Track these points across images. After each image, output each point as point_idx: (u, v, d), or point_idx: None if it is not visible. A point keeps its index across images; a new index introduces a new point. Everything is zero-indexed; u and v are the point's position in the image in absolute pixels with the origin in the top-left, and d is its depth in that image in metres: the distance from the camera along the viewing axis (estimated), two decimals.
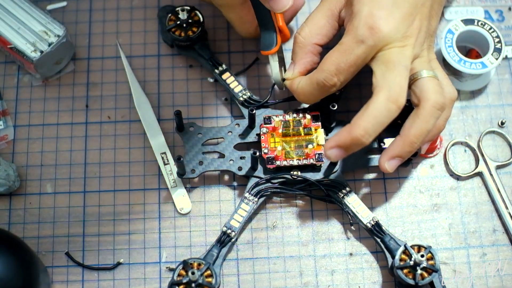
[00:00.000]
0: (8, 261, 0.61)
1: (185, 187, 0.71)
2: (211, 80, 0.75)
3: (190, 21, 0.73)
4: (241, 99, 0.72)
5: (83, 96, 0.75)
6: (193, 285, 0.63)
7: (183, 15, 0.73)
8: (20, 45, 0.71)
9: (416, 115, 0.64)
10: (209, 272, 0.64)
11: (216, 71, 0.73)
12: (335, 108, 0.69)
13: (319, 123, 0.70)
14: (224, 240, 0.67)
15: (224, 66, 0.73)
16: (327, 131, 0.71)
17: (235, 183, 0.71)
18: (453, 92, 0.67)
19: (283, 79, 0.69)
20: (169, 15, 0.74)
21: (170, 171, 0.71)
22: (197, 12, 0.74)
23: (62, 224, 0.70)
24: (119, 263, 0.69)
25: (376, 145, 0.70)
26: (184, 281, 0.63)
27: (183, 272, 0.64)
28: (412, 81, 0.65)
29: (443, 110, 0.65)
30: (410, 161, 0.71)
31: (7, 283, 0.60)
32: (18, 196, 0.71)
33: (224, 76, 0.73)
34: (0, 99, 0.74)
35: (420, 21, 0.65)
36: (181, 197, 0.71)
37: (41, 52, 0.71)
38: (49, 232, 0.70)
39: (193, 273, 0.63)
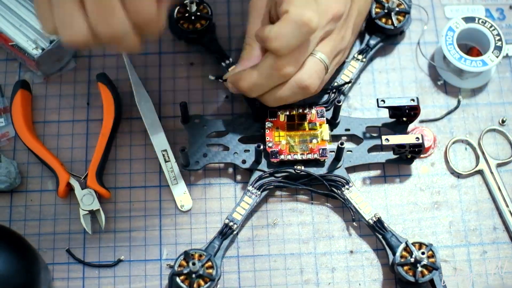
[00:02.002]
0: (9, 258, 0.61)
1: (186, 185, 0.71)
2: (212, 78, 0.75)
3: (198, 13, 0.74)
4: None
5: (84, 93, 0.75)
6: (193, 276, 0.63)
7: (191, 8, 0.73)
8: (21, 43, 0.72)
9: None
10: (210, 263, 0.64)
11: (223, 64, 0.73)
12: (340, 104, 0.69)
13: (324, 118, 0.70)
14: (226, 232, 0.67)
15: (231, 59, 0.73)
16: (332, 126, 0.71)
17: (236, 180, 0.72)
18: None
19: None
20: (178, 7, 0.74)
21: (171, 168, 0.71)
22: (206, 5, 0.74)
23: (63, 221, 0.70)
24: (119, 260, 0.69)
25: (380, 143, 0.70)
26: (185, 271, 0.63)
27: (184, 263, 0.64)
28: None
29: (301, 91, 0.66)
30: (413, 159, 0.71)
31: (8, 280, 0.60)
32: (19, 193, 0.71)
33: (231, 69, 0.73)
34: (2, 96, 0.75)
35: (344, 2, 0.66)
36: (182, 194, 0.71)
37: (43, 49, 0.71)
38: (50, 229, 0.70)
39: (193, 264, 0.63)
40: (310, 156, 0.69)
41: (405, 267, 0.64)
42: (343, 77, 0.73)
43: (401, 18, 0.74)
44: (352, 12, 0.69)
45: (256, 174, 0.69)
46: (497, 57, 0.72)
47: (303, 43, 0.64)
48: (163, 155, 0.72)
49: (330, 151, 0.69)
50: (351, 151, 0.71)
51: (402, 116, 0.71)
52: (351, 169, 0.71)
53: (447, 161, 0.72)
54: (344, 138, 0.72)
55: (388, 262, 0.66)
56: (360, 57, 0.74)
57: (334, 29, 0.67)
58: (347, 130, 0.72)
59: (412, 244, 0.65)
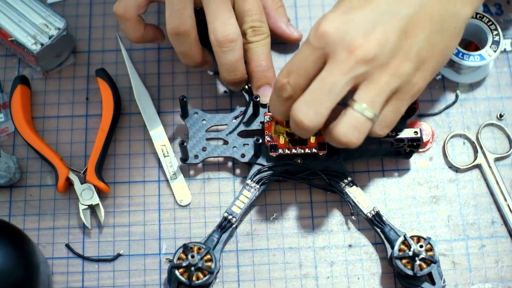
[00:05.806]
0: (9, 252, 0.61)
1: (185, 179, 0.71)
2: (211, 73, 0.75)
3: (197, 8, 0.73)
4: (247, 87, 0.72)
5: (83, 88, 0.75)
6: (192, 268, 0.64)
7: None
8: (20, 38, 0.72)
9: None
10: (209, 256, 0.65)
11: None
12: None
13: None
14: (225, 226, 0.67)
15: None
16: None
17: (235, 174, 0.72)
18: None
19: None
20: None
21: (170, 163, 0.71)
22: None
23: (62, 216, 0.70)
24: (119, 255, 0.69)
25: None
26: (184, 264, 0.64)
27: (183, 256, 0.64)
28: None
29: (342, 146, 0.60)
30: (411, 154, 0.71)
31: (8, 274, 0.60)
32: (18, 188, 0.71)
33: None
34: (1, 91, 0.75)
35: (383, 34, 0.58)
36: (181, 189, 0.71)
37: (42, 45, 0.72)
38: (50, 224, 0.70)
39: (192, 257, 0.64)
40: (308, 150, 0.69)
41: (404, 261, 0.65)
42: None
43: None
44: (414, 40, 0.59)
45: (255, 168, 0.69)
46: (494, 51, 0.73)
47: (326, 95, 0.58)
48: (162, 150, 0.72)
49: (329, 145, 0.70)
50: None
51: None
52: (350, 163, 0.71)
53: (445, 156, 0.73)
54: None
55: (387, 256, 0.67)
56: None
57: (370, 70, 0.58)
58: None
59: (410, 237, 0.65)
